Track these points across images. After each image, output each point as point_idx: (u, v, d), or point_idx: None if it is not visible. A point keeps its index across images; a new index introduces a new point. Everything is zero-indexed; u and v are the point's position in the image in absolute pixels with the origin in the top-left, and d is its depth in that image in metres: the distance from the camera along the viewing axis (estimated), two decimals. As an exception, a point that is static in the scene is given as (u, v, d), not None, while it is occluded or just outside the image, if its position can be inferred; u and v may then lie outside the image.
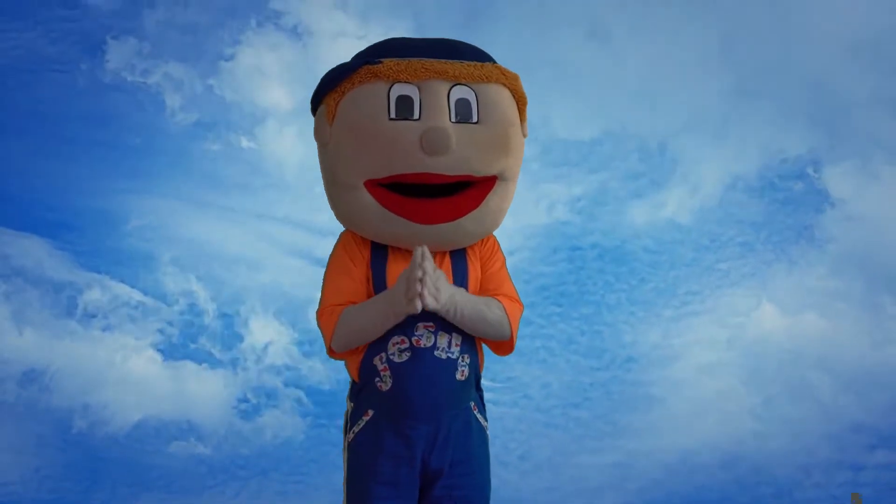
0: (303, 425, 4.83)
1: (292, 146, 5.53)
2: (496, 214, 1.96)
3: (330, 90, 1.91)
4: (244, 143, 5.51)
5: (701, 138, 5.76)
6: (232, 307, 5.20)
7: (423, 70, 1.85)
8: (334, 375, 4.86)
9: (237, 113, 5.58)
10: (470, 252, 1.99)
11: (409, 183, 1.85)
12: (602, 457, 4.80)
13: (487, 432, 2.02)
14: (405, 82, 1.84)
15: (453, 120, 1.84)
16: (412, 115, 1.83)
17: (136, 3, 5.57)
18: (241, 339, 5.12)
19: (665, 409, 5.04)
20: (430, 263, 1.76)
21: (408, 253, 1.91)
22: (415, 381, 1.86)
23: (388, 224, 1.88)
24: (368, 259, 1.93)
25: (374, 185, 1.86)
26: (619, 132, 5.76)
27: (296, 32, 5.58)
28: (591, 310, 5.30)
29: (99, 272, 5.13)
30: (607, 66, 5.74)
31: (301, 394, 4.93)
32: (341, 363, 2.01)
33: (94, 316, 5.03)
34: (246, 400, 4.87)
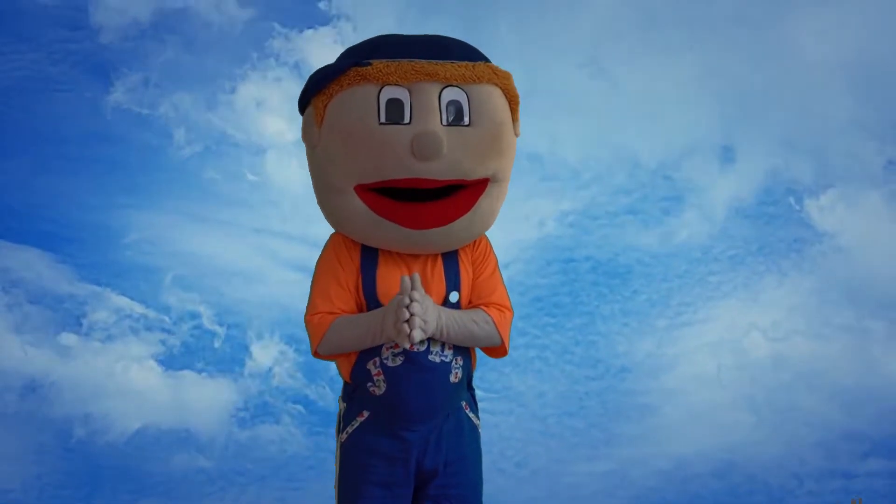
0: (302, 432, 4.87)
1: (295, 176, 5.59)
2: (488, 216, 1.94)
3: (317, 91, 1.86)
4: (249, 176, 5.59)
5: (693, 159, 5.88)
6: (231, 319, 5.25)
7: (413, 72, 1.80)
8: (334, 384, 4.93)
9: (240, 144, 5.67)
10: (462, 254, 1.96)
11: (400, 188, 1.81)
12: (597, 464, 4.81)
13: (479, 430, 2.02)
14: (395, 85, 1.79)
15: (445, 123, 1.80)
16: (403, 118, 1.78)
17: (142, 33, 5.69)
18: (240, 349, 5.16)
19: (659, 418, 5.06)
20: (419, 294, 1.73)
21: (399, 257, 1.90)
22: (409, 386, 1.85)
23: (378, 229, 1.85)
24: (359, 263, 1.90)
25: (364, 190, 1.83)
26: (612, 150, 5.88)
27: (296, 68, 5.66)
28: (585, 320, 5.32)
29: (99, 285, 5.14)
30: (601, 89, 5.86)
31: (300, 402, 5.00)
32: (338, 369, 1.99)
33: (94, 327, 5.05)
34: (245, 409, 4.92)
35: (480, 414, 2.06)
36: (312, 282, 1.94)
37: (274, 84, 5.54)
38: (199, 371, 5.00)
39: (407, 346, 1.75)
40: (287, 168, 5.46)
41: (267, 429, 4.87)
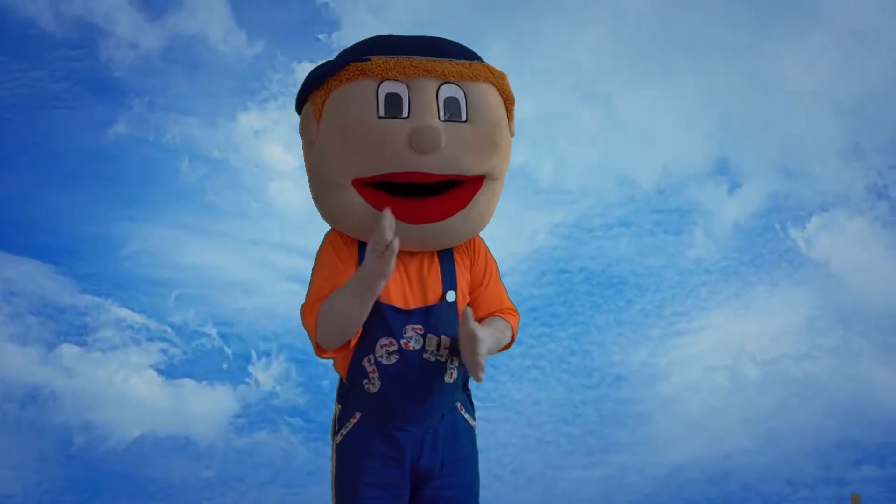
0: (300, 439, 4.90)
1: (297, 200, 5.66)
2: (484, 214, 1.93)
3: (316, 87, 1.86)
4: (253, 203, 5.67)
5: (686, 178, 5.99)
6: (230, 329, 5.31)
7: (412, 68, 1.80)
8: (332, 391, 4.95)
9: (243, 171, 5.75)
10: (456, 254, 1.95)
11: (397, 182, 1.80)
12: (592, 471, 4.84)
13: (475, 431, 2.00)
14: (394, 80, 1.80)
15: (442, 118, 1.80)
16: (401, 113, 1.78)
17: (147, 58, 5.78)
18: (238, 359, 5.21)
19: (654, 426, 5.09)
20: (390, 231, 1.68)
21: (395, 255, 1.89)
22: (403, 384, 1.84)
23: (375, 223, 1.79)
24: (356, 259, 1.88)
25: (362, 185, 1.82)
26: (607, 169, 6.00)
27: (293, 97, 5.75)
28: (580, 330, 5.37)
29: (99, 295, 5.22)
30: (596, 113, 5.97)
31: (298, 409, 5.04)
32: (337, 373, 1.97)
33: (94, 338, 5.11)
34: (244, 416, 4.96)
35: (478, 420, 2.03)
36: (311, 279, 1.92)
37: (275, 112, 5.67)
38: (199, 380, 5.05)
39: (387, 275, 1.69)
40: (288, 192, 5.57)
41: (265, 436, 4.91)
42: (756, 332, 5.49)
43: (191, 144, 5.63)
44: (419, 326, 1.84)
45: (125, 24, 5.56)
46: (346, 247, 1.90)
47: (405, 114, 1.79)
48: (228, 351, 5.23)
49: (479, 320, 1.93)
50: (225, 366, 5.14)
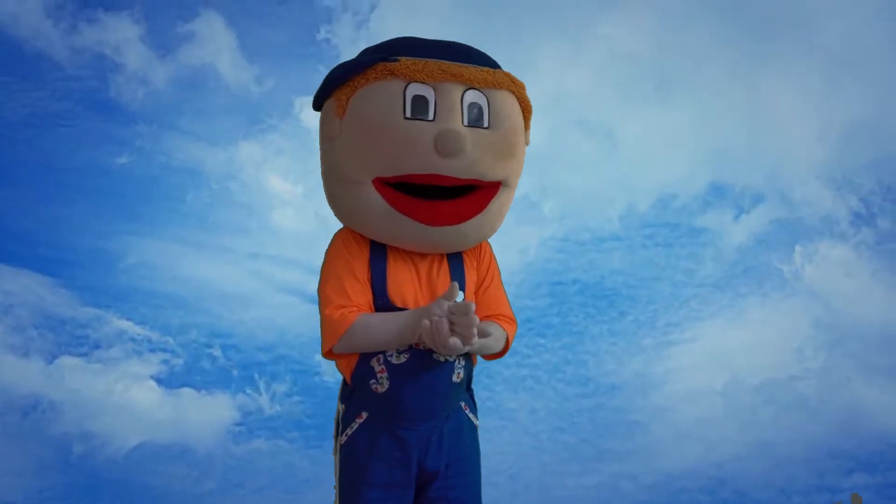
0: (297, 446, 4.92)
1: (301, 225, 5.75)
2: (496, 220, 1.94)
3: (341, 84, 1.86)
4: (251, 219, 5.76)
5: (678, 198, 6.11)
6: (228, 339, 5.36)
7: (439, 72, 1.81)
8: (330, 397, 5.00)
9: (243, 192, 5.85)
10: (465, 255, 1.97)
11: (417, 183, 1.81)
12: (588, 478, 4.87)
13: (478, 431, 2.00)
14: (421, 82, 1.80)
15: (466, 123, 1.81)
16: (427, 115, 1.79)
17: (152, 86, 5.89)
18: (237, 368, 5.27)
19: (648, 435, 5.13)
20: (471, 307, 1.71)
21: (407, 255, 1.90)
22: (412, 384, 1.84)
23: (392, 223, 1.84)
24: (368, 258, 1.89)
25: (382, 184, 1.82)
26: (602, 188, 6.12)
27: (312, 131, 5.85)
28: (575, 340, 5.45)
29: (99, 307, 5.27)
30: (594, 139, 6.11)
31: (297, 414, 5.07)
32: (337, 379, 1.98)
33: (93, 348, 5.14)
34: (243, 423, 5.00)
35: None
36: (323, 277, 1.91)
37: (279, 141, 5.78)
38: (198, 389, 5.09)
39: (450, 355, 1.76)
40: (288, 217, 5.65)
41: (263, 444, 4.94)
42: (748, 342, 5.57)
43: (190, 162, 5.72)
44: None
45: (134, 60, 5.69)
46: (357, 246, 1.91)
47: (431, 116, 1.80)
48: (227, 361, 5.28)
49: None
50: (223, 376, 5.19)
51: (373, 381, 1.86)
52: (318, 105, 1.96)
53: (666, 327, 5.55)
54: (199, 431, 4.89)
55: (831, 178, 5.86)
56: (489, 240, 2.04)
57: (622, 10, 5.98)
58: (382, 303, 1.87)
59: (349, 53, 1.97)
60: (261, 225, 5.67)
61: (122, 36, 5.62)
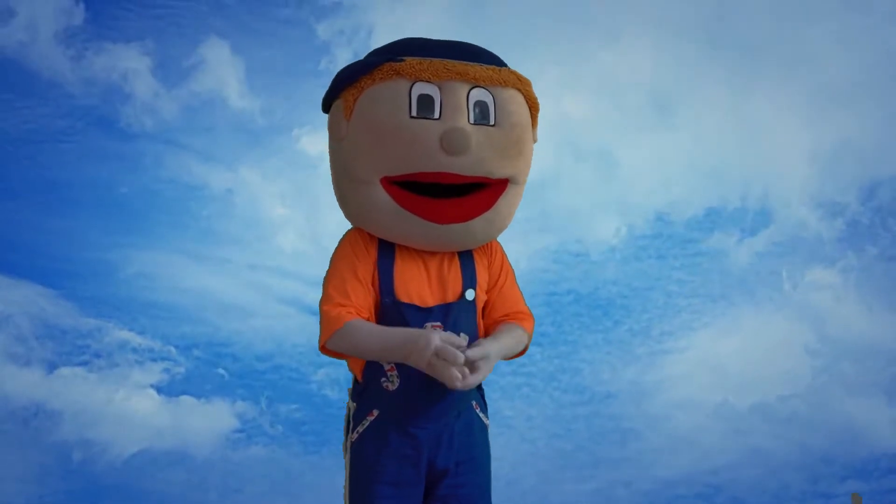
0: (295, 452, 4.97)
1: (303, 249, 5.82)
2: (505, 218, 1.95)
3: (348, 85, 1.87)
4: (249, 231, 5.82)
5: (674, 212, 6.21)
6: (226, 349, 5.40)
7: (444, 70, 1.82)
8: (329, 404, 5.06)
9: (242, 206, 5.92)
10: (476, 253, 1.97)
11: (425, 182, 1.82)
12: (584, 485, 4.90)
13: (489, 430, 2.01)
14: (427, 81, 1.81)
15: (472, 121, 1.82)
16: (432, 114, 1.80)
17: (154, 105, 5.98)
18: (235, 376, 5.31)
19: (643, 442, 5.18)
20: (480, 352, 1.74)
21: (416, 253, 1.91)
22: (423, 381, 1.81)
23: (400, 221, 1.85)
24: (375, 258, 1.89)
25: (390, 183, 1.83)
26: (600, 201, 6.22)
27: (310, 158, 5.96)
28: (570, 349, 5.52)
29: (99, 317, 5.32)
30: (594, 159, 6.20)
31: (295, 421, 5.10)
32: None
33: (93, 357, 5.21)
34: (242, 430, 5.03)
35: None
36: (328, 274, 1.92)
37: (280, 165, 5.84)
38: (197, 397, 5.13)
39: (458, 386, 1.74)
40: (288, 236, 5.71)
41: (262, 450, 4.97)
42: (742, 351, 5.63)
43: (191, 178, 5.80)
44: (438, 324, 1.85)
45: (143, 89, 5.79)
46: (364, 246, 1.91)
47: (436, 115, 1.81)
48: (226, 370, 5.32)
49: (495, 322, 1.97)
50: (222, 384, 5.23)
51: (383, 378, 1.87)
52: (326, 107, 1.98)
53: (660, 336, 5.61)
54: (198, 439, 4.92)
55: (820, 199, 5.97)
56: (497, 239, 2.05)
57: (619, 38, 6.11)
58: (390, 299, 1.88)
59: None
60: (259, 237, 5.74)
61: (130, 65, 5.71)
